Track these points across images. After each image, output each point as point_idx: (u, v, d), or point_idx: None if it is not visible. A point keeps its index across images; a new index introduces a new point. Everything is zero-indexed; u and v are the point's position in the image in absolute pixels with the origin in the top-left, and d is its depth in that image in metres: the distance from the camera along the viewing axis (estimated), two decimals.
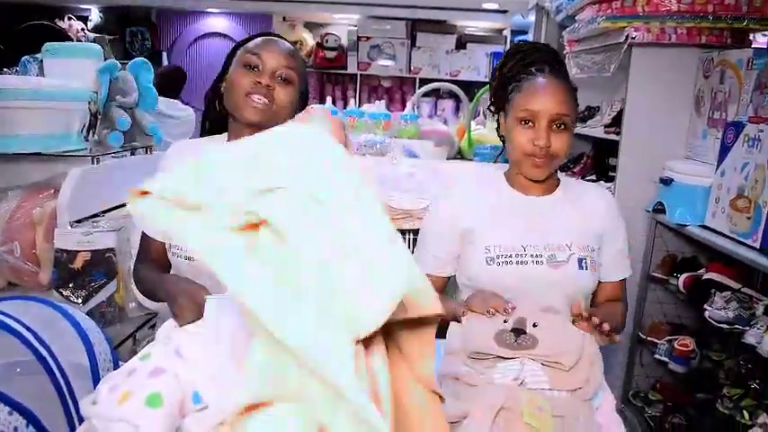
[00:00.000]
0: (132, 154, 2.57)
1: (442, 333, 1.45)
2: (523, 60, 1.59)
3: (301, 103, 1.60)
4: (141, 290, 1.56)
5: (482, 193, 1.65)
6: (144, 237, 1.61)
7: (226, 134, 1.63)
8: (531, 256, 1.53)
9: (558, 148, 1.51)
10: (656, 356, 2.62)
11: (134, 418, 0.98)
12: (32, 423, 1.18)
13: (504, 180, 1.65)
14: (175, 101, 4.32)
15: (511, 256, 1.53)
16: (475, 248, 1.56)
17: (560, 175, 1.70)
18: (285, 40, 1.62)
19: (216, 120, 1.66)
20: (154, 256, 1.59)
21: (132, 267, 1.62)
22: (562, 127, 1.51)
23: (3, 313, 1.26)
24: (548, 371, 1.21)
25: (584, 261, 1.54)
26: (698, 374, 2.52)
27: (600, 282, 1.62)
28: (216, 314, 1.16)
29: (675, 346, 2.53)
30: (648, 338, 2.69)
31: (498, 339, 1.27)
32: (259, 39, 1.57)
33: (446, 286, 1.67)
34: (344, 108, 3.58)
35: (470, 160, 3.18)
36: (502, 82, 1.62)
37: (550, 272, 1.52)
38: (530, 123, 1.52)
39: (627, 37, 2.46)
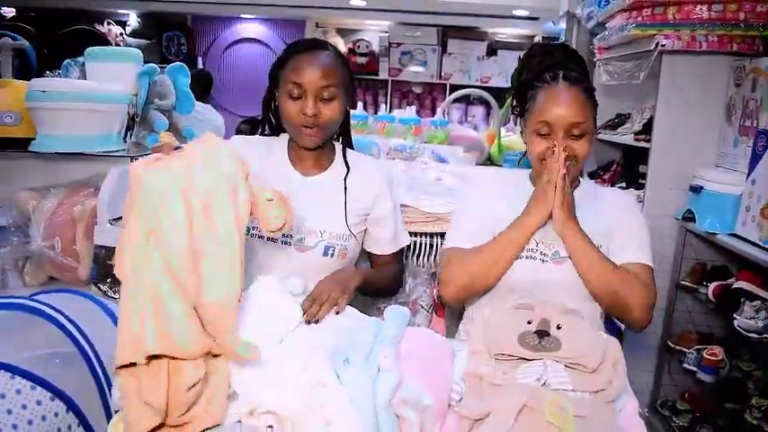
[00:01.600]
0: None
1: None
2: (539, 65, 1.60)
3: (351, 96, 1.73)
4: None
5: (506, 190, 1.70)
6: None
7: (286, 136, 1.74)
8: (542, 253, 1.56)
9: (580, 154, 1.55)
10: (685, 365, 2.60)
11: None
12: (72, 409, 1.24)
13: (527, 180, 1.69)
14: (208, 105, 4.42)
15: (522, 252, 1.56)
16: None
17: (584, 179, 1.73)
18: (323, 44, 1.68)
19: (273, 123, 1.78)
20: None
21: None
22: (581, 134, 1.53)
23: (47, 305, 1.32)
24: (570, 372, 1.23)
25: None
26: (727, 384, 2.49)
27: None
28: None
29: (704, 355, 2.51)
30: (677, 347, 2.67)
31: (522, 341, 1.29)
32: (299, 59, 1.60)
33: None
34: (375, 113, 3.62)
35: (500, 166, 3.20)
36: (520, 89, 1.65)
37: (553, 268, 1.54)
38: (545, 133, 1.54)
39: (657, 44, 2.46)
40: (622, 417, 1.24)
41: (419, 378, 1.16)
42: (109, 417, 1.31)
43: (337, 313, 1.37)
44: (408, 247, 1.95)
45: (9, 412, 1.15)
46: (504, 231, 1.55)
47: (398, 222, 1.80)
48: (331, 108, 1.61)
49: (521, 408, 1.11)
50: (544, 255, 1.56)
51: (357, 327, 1.30)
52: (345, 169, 1.72)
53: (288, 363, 1.15)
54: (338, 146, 1.78)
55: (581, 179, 1.72)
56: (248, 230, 1.62)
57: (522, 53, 1.74)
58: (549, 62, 1.59)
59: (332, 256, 1.65)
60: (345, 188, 1.70)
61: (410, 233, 1.93)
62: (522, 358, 1.26)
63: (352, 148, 1.82)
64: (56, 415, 1.22)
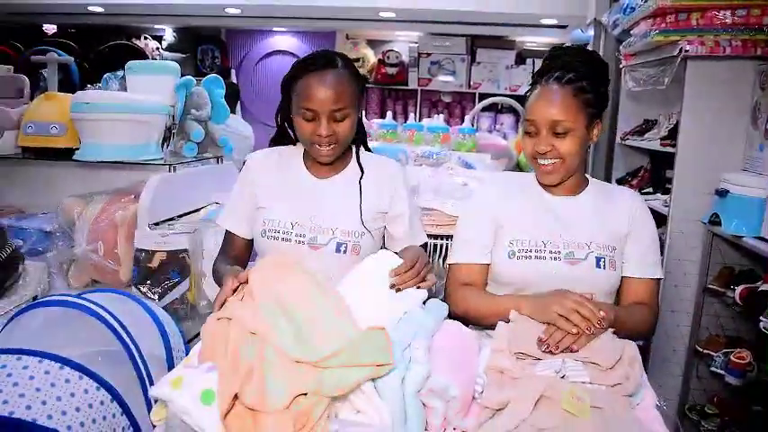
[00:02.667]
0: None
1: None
2: (544, 68, 1.63)
3: (362, 99, 1.77)
4: (216, 279, 1.72)
5: (512, 192, 1.71)
6: (227, 234, 1.80)
7: (301, 146, 1.78)
8: (550, 252, 1.57)
9: (564, 152, 1.56)
10: (713, 369, 2.60)
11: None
12: (117, 399, 1.32)
13: (534, 181, 1.71)
14: (236, 116, 4.53)
15: (530, 251, 1.59)
16: (500, 242, 1.63)
17: (591, 178, 1.74)
18: (332, 59, 1.68)
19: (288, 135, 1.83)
20: (234, 253, 1.78)
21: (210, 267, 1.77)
22: (564, 132, 1.55)
23: (95, 303, 1.41)
24: (588, 367, 1.27)
25: (602, 260, 1.57)
26: (755, 387, 2.49)
27: (626, 279, 1.63)
28: None
29: (732, 358, 2.51)
30: (705, 351, 2.67)
31: (541, 345, 1.34)
32: (310, 81, 1.62)
33: (485, 276, 1.69)
34: (405, 122, 3.69)
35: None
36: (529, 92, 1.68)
37: (567, 268, 1.56)
38: (532, 132, 1.59)
39: (680, 50, 2.49)
40: (640, 409, 1.28)
41: (447, 370, 1.21)
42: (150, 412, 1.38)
43: (418, 287, 1.42)
44: (434, 248, 2.00)
45: (59, 399, 1.23)
46: (510, 299, 1.56)
47: (416, 220, 1.83)
48: (344, 126, 1.66)
49: (538, 397, 1.16)
50: (555, 253, 1.58)
51: (411, 317, 1.34)
52: (360, 171, 1.77)
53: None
54: (353, 148, 1.81)
55: (588, 177, 1.73)
56: (263, 233, 1.69)
57: None
58: (550, 64, 1.61)
59: (344, 252, 1.69)
60: (360, 190, 1.74)
61: (436, 236, 1.99)
62: (541, 359, 1.32)
63: (367, 149, 1.86)
64: (101, 403, 1.30)
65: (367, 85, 5.34)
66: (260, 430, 1.05)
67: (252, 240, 1.77)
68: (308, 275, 1.36)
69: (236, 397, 1.09)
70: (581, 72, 1.57)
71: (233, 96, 5.25)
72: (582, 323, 1.35)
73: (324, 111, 1.61)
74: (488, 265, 1.67)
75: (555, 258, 1.58)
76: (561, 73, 1.56)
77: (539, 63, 6.61)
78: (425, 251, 1.86)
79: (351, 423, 1.10)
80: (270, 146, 1.86)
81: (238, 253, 1.78)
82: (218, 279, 1.66)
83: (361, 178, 1.75)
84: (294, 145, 1.82)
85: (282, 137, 1.83)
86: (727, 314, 2.72)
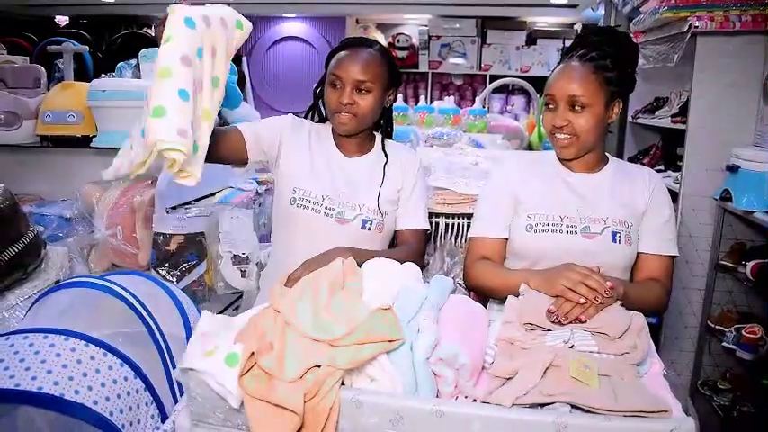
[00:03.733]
0: None
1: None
2: (570, 47, 1.66)
3: (393, 92, 1.85)
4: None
5: (532, 167, 1.76)
6: (232, 129, 1.81)
7: (329, 125, 1.88)
8: (567, 226, 1.62)
9: (579, 127, 1.59)
10: (725, 344, 2.62)
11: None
12: (140, 376, 1.36)
13: (555, 158, 1.74)
14: (243, 102, 4.56)
15: (548, 225, 1.63)
16: (519, 216, 1.68)
17: (611, 157, 1.77)
18: (369, 42, 1.82)
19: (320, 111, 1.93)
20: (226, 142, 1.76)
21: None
22: (580, 107, 1.58)
23: (119, 285, 1.45)
24: (596, 337, 1.30)
25: (618, 235, 1.61)
26: (767, 362, 2.51)
27: (641, 255, 1.67)
28: None
29: (743, 333, 2.53)
30: (717, 327, 2.69)
31: (550, 316, 1.38)
32: (341, 53, 1.77)
33: (503, 250, 1.73)
34: (416, 105, 3.71)
35: None
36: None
37: (583, 242, 1.60)
38: (551, 106, 1.62)
39: (690, 26, 2.49)
40: (648, 377, 1.30)
41: (456, 339, 1.25)
42: (173, 393, 1.43)
43: None
44: (446, 227, 2.04)
45: (84, 375, 1.28)
46: (521, 272, 1.59)
47: (421, 205, 1.88)
48: (365, 100, 1.75)
49: (547, 365, 1.19)
50: (572, 227, 1.62)
51: (408, 290, 1.39)
52: (384, 157, 1.85)
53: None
54: (378, 136, 1.91)
55: (608, 156, 1.76)
56: (293, 200, 1.76)
57: (560, 41, 1.79)
58: (580, 43, 1.64)
59: (370, 229, 1.78)
60: (384, 174, 1.83)
61: (447, 215, 2.02)
62: (550, 330, 1.35)
63: (391, 139, 1.95)
64: (125, 379, 1.34)
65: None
66: (273, 392, 1.10)
67: (243, 142, 1.77)
68: (334, 270, 1.42)
69: (254, 360, 1.15)
70: (606, 51, 1.59)
71: (239, 83, 5.29)
72: (589, 294, 1.38)
73: (348, 79, 1.72)
74: (506, 239, 1.72)
75: (571, 232, 1.62)
76: (585, 51, 1.60)
77: (549, 43, 6.62)
78: (428, 237, 1.92)
79: (365, 391, 1.14)
80: (304, 117, 1.94)
81: (229, 143, 1.75)
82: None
83: (385, 164, 1.84)
84: (324, 123, 1.91)
85: (314, 110, 1.93)
86: (738, 290, 2.74)
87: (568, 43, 6.16)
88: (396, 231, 1.88)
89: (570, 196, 1.67)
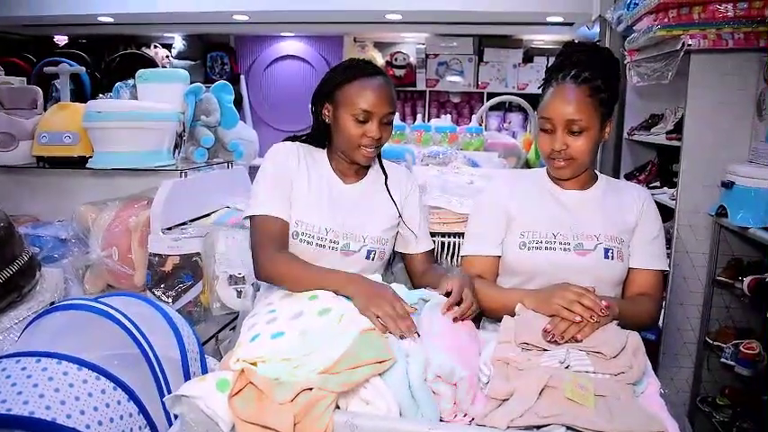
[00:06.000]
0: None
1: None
2: (557, 64, 1.65)
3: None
4: (287, 274, 1.60)
5: (523, 185, 1.77)
6: (269, 220, 1.68)
7: (324, 151, 1.83)
8: (560, 243, 1.63)
9: (577, 150, 1.60)
10: (723, 360, 2.61)
11: None
12: (133, 399, 1.35)
13: (545, 175, 1.76)
14: (240, 121, 4.57)
15: (541, 242, 1.64)
16: (512, 233, 1.68)
17: (600, 174, 1.78)
18: (380, 69, 1.77)
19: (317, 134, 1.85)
20: (285, 240, 1.70)
21: (257, 256, 1.68)
22: (578, 131, 1.58)
23: (112, 307, 1.45)
24: (592, 357, 1.30)
25: (610, 251, 1.62)
26: (765, 377, 2.50)
27: (631, 270, 1.68)
28: None
29: (741, 349, 2.52)
30: (715, 343, 2.68)
31: (546, 336, 1.38)
32: (367, 85, 1.68)
33: (496, 268, 1.74)
34: (413, 123, 3.72)
35: None
36: (542, 89, 1.71)
37: (576, 259, 1.61)
38: (548, 130, 1.62)
39: (683, 44, 2.50)
40: (644, 397, 1.30)
41: (451, 354, 1.25)
42: (167, 414, 1.42)
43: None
44: (442, 246, 2.04)
45: (77, 399, 1.27)
46: (516, 292, 1.60)
47: (424, 225, 1.89)
48: (389, 131, 1.75)
49: (543, 386, 1.19)
50: (565, 245, 1.63)
51: None
52: (383, 175, 1.84)
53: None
54: None
55: (598, 174, 1.77)
56: (296, 234, 1.70)
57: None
58: (560, 62, 1.64)
59: (373, 259, 1.76)
60: (388, 190, 1.82)
61: (443, 234, 2.02)
62: (546, 349, 1.35)
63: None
64: (118, 403, 1.33)
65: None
66: (262, 414, 1.10)
67: (288, 221, 1.72)
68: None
69: (245, 379, 1.15)
70: (595, 70, 1.60)
71: (235, 103, 5.32)
72: (584, 312, 1.39)
73: (378, 113, 1.68)
74: (499, 257, 1.72)
75: (565, 249, 1.63)
76: (576, 71, 1.59)
77: (545, 61, 6.63)
78: (433, 254, 1.91)
79: (360, 414, 1.13)
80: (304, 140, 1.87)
81: (287, 239, 1.70)
82: (297, 275, 1.58)
83: (385, 181, 1.83)
84: (324, 148, 1.85)
85: (314, 139, 1.85)
86: (736, 305, 2.73)
87: None
88: (408, 255, 1.87)
89: (562, 213, 1.68)
